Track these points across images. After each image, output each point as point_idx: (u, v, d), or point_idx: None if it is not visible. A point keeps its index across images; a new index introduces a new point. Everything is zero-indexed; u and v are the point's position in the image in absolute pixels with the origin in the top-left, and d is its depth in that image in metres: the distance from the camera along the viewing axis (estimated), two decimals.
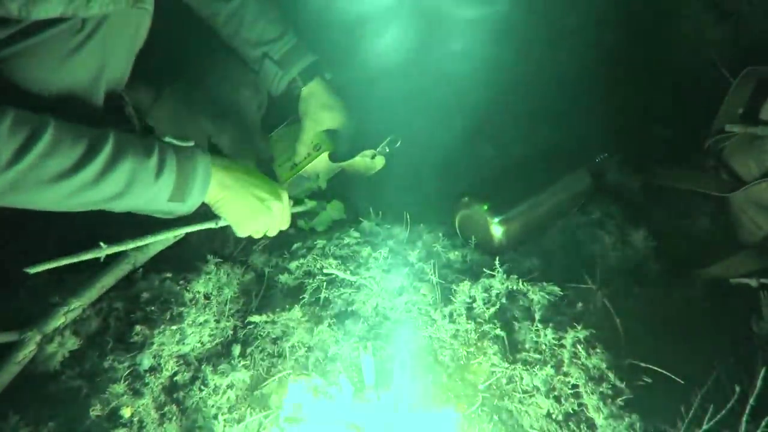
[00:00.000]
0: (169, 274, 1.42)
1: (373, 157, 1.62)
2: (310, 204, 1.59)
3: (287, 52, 1.51)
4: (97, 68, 1.11)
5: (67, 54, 1.02)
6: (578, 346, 1.21)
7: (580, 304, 1.33)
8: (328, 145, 1.63)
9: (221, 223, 1.31)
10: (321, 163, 1.64)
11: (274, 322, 1.35)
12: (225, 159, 1.24)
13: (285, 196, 1.32)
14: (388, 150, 1.63)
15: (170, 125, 1.51)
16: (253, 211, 1.25)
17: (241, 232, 1.30)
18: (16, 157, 0.91)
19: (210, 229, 1.34)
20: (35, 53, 0.99)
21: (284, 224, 1.37)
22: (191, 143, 1.15)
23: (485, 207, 1.51)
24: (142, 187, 1.05)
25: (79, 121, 1.03)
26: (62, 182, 0.97)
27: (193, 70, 1.58)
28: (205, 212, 1.28)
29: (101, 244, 1.23)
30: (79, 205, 1.04)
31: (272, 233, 1.37)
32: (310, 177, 1.67)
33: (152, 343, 1.27)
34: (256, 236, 1.34)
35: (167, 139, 1.12)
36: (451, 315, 1.33)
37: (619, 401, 1.13)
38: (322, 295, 1.41)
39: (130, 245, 1.28)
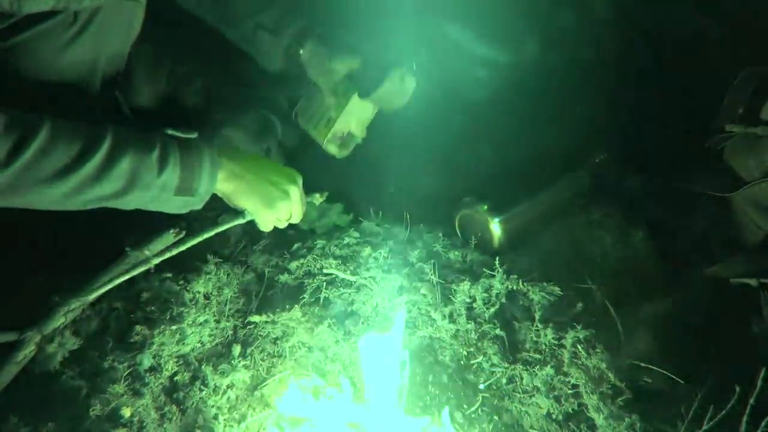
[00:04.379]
0: (169, 274, 1.42)
1: (402, 80, 1.51)
2: (318, 198, 1.49)
3: (279, 17, 1.45)
4: (91, 61, 1.11)
5: (61, 47, 1.02)
6: (578, 346, 1.21)
7: (580, 304, 1.33)
8: (353, 87, 1.54)
9: (249, 216, 1.24)
10: (354, 108, 1.55)
11: (274, 323, 1.35)
12: (232, 149, 1.19)
13: (299, 179, 1.25)
14: (414, 68, 1.51)
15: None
16: (271, 198, 1.19)
17: (264, 223, 1.24)
18: (10, 158, 0.90)
19: (240, 224, 1.28)
20: (29, 48, 0.99)
21: (303, 208, 1.29)
22: (195, 134, 1.11)
23: (485, 207, 1.51)
24: (145, 181, 1.03)
25: (75, 115, 1.01)
26: (61, 180, 0.95)
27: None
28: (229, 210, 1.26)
29: (147, 252, 1.28)
30: (85, 203, 1.02)
31: (296, 219, 1.30)
32: (345, 135, 1.60)
33: (152, 343, 1.27)
34: (281, 225, 1.29)
35: (169, 131, 1.09)
36: (451, 315, 1.33)
37: (619, 401, 1.13)
38: (322, 295, 1.41)
39: (172, 251, 1.27)
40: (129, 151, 1.00)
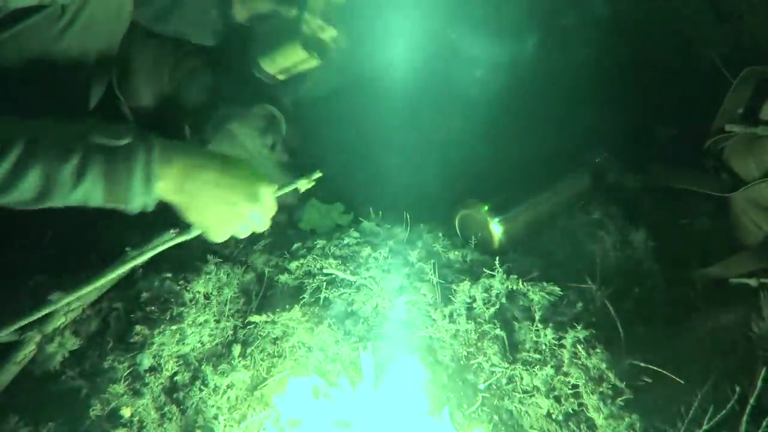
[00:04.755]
0: (169, 274, 1.42)
1: None
2: (305, 183, 1.26)
3: None
4: (82, 54, 1.11)
5: (50, 41, 1.03)
6: (578, 346, 1.21)
7: (580, 304, 1.33)
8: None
9: (195, 232, 1.10)
10: (314, 3, 1.43)
11: (274, 322, 1.35)
12: (191, 156, 1.04)
13: (264, 195, 1.09)
14: None
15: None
16: (224, 218, 1.07)
17: (214, 239, 1.11)
18: None
19: (187, 240, 1.13)
20: (19, 41, 0.99)
21: (269, 215, 1.14)
22: (126, 140, 0.97)
23: (485, 207, 1.51)
24: (62, 191, 0.94)
25: (68, 109, 0.99)
26: None
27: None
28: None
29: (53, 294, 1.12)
30: (6, 205, 0.95)
31: (259, 230, 1.15)
32: (318, 41, 1.47)
33: (152, 343, 1.27)
34: (239, 236, 1.14)
35: (96, 139, 0.97)
36: (451, 315, 1.33)
37: (619, 401, 1.13)
38: (322, 295, 1.41)
39: (87, 287, 1.12)
40: (37, 164, 0.91)
